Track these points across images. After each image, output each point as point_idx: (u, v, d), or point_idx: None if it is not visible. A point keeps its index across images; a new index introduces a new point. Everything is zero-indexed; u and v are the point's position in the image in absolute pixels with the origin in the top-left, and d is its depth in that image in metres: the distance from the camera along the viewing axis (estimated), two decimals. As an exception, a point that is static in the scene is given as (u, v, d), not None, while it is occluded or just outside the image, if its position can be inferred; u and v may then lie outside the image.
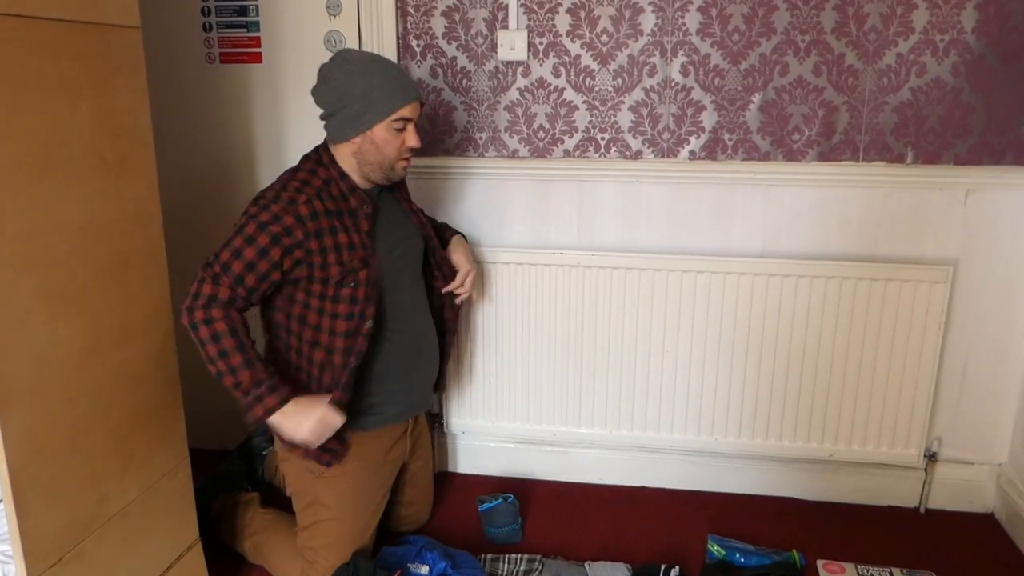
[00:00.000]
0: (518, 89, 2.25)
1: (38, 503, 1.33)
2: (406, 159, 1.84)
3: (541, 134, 2.28)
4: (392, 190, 1.96)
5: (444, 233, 2.13)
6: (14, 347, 1.26)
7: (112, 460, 1.51)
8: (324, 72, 1.79)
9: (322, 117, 1.82)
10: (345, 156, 1.82)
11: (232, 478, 2.31)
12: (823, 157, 2.18)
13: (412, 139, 1.81)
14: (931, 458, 2.31)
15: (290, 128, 2.43)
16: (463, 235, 2.16)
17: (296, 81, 2.38)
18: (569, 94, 2.23)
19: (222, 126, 2.45)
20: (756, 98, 2.16)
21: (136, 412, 1.58)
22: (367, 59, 1.76)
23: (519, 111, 2.27)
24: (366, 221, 1.81)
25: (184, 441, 1.75)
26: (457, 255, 2.07)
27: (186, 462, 1.76)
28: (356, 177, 1.84)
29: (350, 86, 1.74)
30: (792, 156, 2.19)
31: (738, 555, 2.10)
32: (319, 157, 1.85)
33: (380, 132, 1.77)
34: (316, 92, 1.81)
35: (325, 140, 1.88)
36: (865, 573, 2.05)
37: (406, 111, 1.77)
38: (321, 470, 1.88)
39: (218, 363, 1.65)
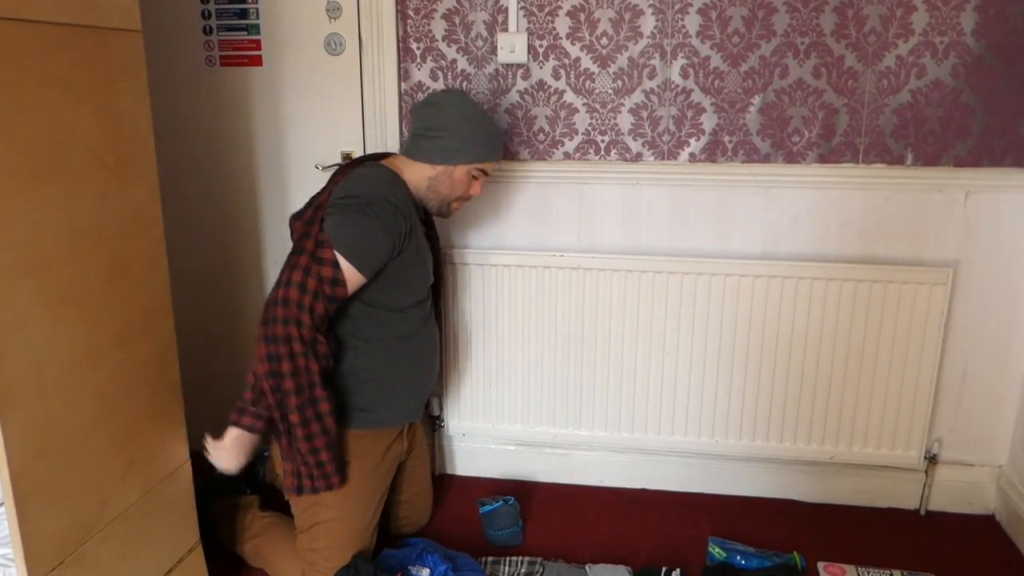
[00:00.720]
0: (518, 92, 2.25)
1: (39, 506, 1.33)
2: (461, 202, 2.00)
3: (541, 136, 2.28)
4: None
5: None
6: (16, 350, 1.27)
7: (113, 463, 1.51)
8: (439, 99, 1.93)
9: (414, 133, 1.93)
10: (419, 176, 1.94)
11: (230, 481, 2.31)
12: (823, 159, 2.18)
13: (478, 189, 1.99)
14: (931, 460, 2.31)
15: (290, 131, 2.43)
16: None
17: (296, 84, 2.39)
18: (569, 96, 2.23)
19: (222, 129, 2.46)
20: (756, 100, 2.16)
21: (137, 415, 1.58)
22: (480, 110, 1.94)
23: (519, 113, 2.27)
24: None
25: (185, 444, 1.75)
26: None
27: (187, 465, 1.76)
28: (414, 195, 1.95)
29: (460, 123, 1.89)
30: (792, 158, 2.19)
31: (739, 557, 2.10)
32: (397, 167, 1.94)
33: (461, 171, 1.92)
34: (421, 111, 1.93)
35: (400, 153, 1.99)
36: (866, 575, 2.05)
37: (490, 166, 1.96)
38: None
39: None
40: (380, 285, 1.86)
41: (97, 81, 1.42)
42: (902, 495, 2.37)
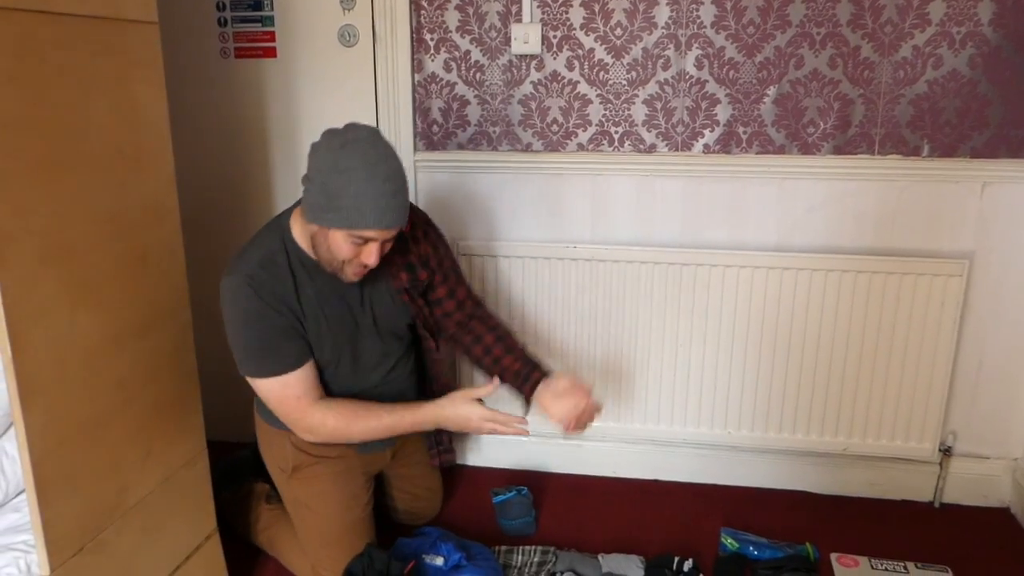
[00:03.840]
0: (532, 83, 2.25)
1: (60, 493, 1.34)
2: (358, 270, 1.66)
3: (555, 128, 2.28)
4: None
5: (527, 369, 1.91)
6: (37, 339, 1.28)
7: (132, 451, 1.53)
8: (320, 141, 1.59)
9: (301, 180, 1.64)
10: (304, 231, 1.69)
11: (240, 470, 2.33)
12: (838, 150, 2.17)
13: (369, 258, 1.61)
14: (946, 452, 2.31)
15: (304, 122, 2.44)
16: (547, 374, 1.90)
17: (310, 75, 2.39)
18: (583, 87, 2.23)
19: (237, 120, 2.47)
20: (771, 91, 2.16)
21: (155, 403, 1.59)
22: (361, 157, 1.52)
23: (533, 105, 2.27)
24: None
25: (202, 432, 1.77)
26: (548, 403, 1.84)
27: (204, 453, 1.78)
28: (311, 252, 1.71)
29: (327, 176, 1.53)
30: (807, 149, 2.18)
31: (751, 548, 2.10)
32: (291, 222, 1.74)
33: (337, 237, 1.58)
34: (309, 153, 1.61)
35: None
36: (879, 566, 2.05)
37: (371, 233, 1.57)
38: (290, 469, 1.90)
39: None
40: None
41: (115, 72, 1.43)
42: (916, 487, 2.36)
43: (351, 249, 1.59)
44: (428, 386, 2.06)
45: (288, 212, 1.77)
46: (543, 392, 1.83)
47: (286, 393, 1.73)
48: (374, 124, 2.37)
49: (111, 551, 1.47)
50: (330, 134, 1.57)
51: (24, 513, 1.43)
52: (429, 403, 1.81)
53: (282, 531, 2.08)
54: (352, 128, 1.58)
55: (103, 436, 1.44)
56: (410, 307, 1.88)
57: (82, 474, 1.40)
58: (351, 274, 1.67)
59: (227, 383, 2.60)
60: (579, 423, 1.80)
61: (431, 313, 1.94)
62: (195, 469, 1.74)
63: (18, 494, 1.53)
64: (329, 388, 1.84)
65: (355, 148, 1.52)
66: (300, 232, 1.71)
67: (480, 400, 1.78)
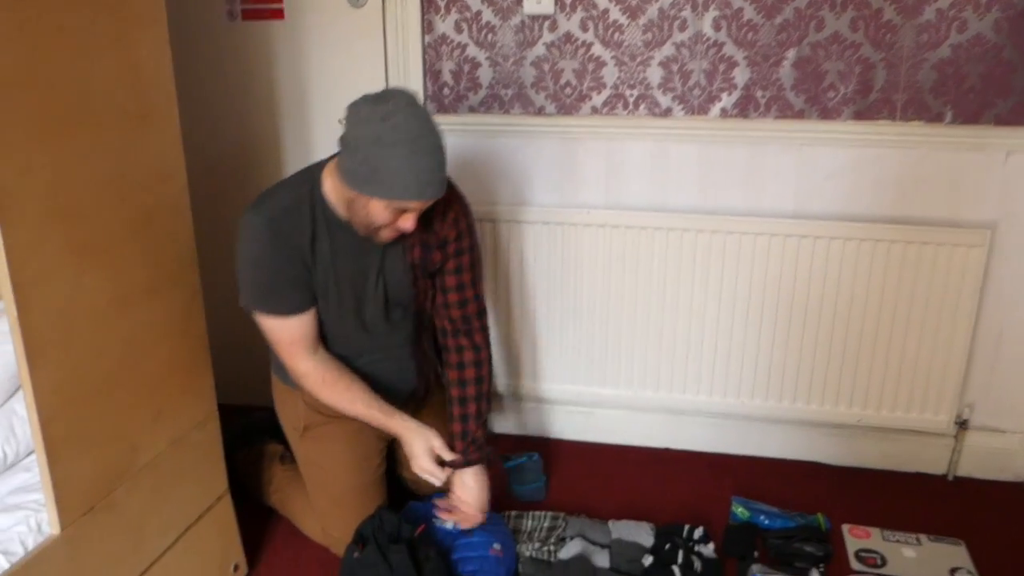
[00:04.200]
0: (544, 44, 2.21)
1: (69, 453, 1.35)
2: (394, 234, 1.68)
3: (568, 91, 2.24)
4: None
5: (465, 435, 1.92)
6: (42, 299, 1.27)
7: (142, 412, 1.53)
8: (360, 108, 1.57)
9: (339, 141, 1.63)
10: (339, 193, 1.68)
11: (255, 431, 2.34)
12: (859, 115, 2.12)
13: (407, 225, 1.63)
14: (962, 425, 2.27)
15: (312, 84, 2.41)
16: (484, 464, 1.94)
17: (318, 37, 2.36)
18: (597, 49, 2.18)
19: (244, 83, 2.44)
20: (791, 54, 2.10)
21: (165, 365, 1.59)
22: (404, 131, 1.52)
23: (545, 67, 2.23)
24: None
25: (212, 394, 1.77)
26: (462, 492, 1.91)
27: (215, 415, 1.78)
28: (342, 211, 1.71)
29: (370, 148, 1.53)
30: (827, 114, 2.13)
31: (762, 517, 2.09)
32: (324, 175, 1.73)
33: (377, 205, 1.59)
34: (348, 112, 1.59)
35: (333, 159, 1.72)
36: (891, 538, 2.04)
37: (412, 204, 1.60)
38: (302, 427, 1.92)
39: None
40: None
41: (117, 31, 1.41)
42: (930, 460, 2.33)
43: (390, 216, 1.62)
44: (428, 375, 2.05)
45: (321, 164, 1.76)
46: (457, 479, 1.91)
47: (280, 335, 1.76)
48: (383, 86, 2.34)
49: (121, 511, 1.48)
50: (372, 102, 1.56)
51: (34, 473, 1.44)
52: (401, 416, 1.84)
53: (294, 492, 2.09)
54: (393, 97, 1.56)
55: (112, 397, 1.45)
56: (417, 283, 1.86)
57: (91, 434, 1.40)
58: (385, 238, 1.71)
59: (240, 346, 2.62)
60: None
61: (434, 298, 1.92)
62: (206, 431, 1.75)
63: (28, 454, 1.54)
64: (330, 347, 1.84)
65: (399, 121, 1.52)
66: (331, 188, 1.70)
67: (435, 456, 1.84)
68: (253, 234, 1.68)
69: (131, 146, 1.46)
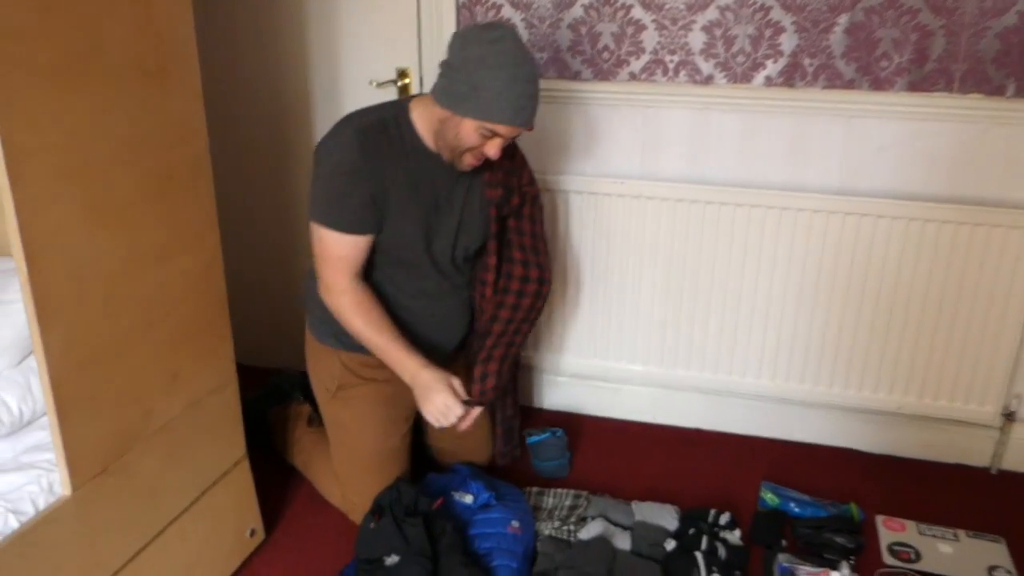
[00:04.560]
0: (582, 6, 2.11)
1: (80, 415, 1.33)
2: (477, 159, 1.71)
3: (605, 55, 2.15)
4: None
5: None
6: (53, 259, 1.25)
7: (156, 375, 1.51)
8: (468, 32, 1.63)
9: (440, 63, 1.68)
10: (432, 116, 1.71)
11: (285, 388, 2.34)
12: (913, 87, 2.00)
13: (492, 150, 1.67)
14: (1008, 417, 2.17)
15: (343, 43, 2.34)
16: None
17: (353, -5, 2.29)
18: (637, 12, 2.09)
19: (275, 42, 2.38)
20: (842, 19, 1.98)
21: (181, 328, 1.57)
22: (509, 56, 1.58)
23: (583, 30, 2.14)
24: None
25: (231, 358, 1.75)
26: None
27: (233, 379, 1.76)
28: (428, 139, 1.75)
29: (475, 67, 1.58)
30: (879, 85, 2.01)
31: (792, 504, 2.02)
32: (414, 105, 1.76)
33: (468, 126, 1.63)
34: (451, 40, 1.65)
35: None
36: (927, 532, 1.96)
37: (501, 129, 1.63)
38: (335, 387, 1.89)
39: None
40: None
41: (136, -17, 1.36)
42: (973, 451, 2.23)
43: (478, 140, 1.65)
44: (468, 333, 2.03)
45: (407, 98, 1.81)
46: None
47: (334, 250, 1.73)
48: (416, 48, 2.27)
49: (134, 473, 1.47)
50: (481, 28, 1.63)
51: (47, 432, 1.43)
52: (420, 357, 1.77)
53: (318, 455, 2.08)
54: (499, 27, 1.65)
55: (126, 359, 1.43)
56: (491, 223, 1.88)
57: (104, 396, 1.38)
58: (467, 164, 1.72)
59: (260, 307, 2.61)
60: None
61: (505, 243, 1.94)
62: (223, 395, 1.73)
63: (45, 413, 1.53)
64: (388, 283, 1.84)
65: (505, 46, 1.59)
66: (419, 116, 1.74)
67: (456, 394, 1.77)
68: (342, 143, 1.69)
69: (149, 104, 1.42)
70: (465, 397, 1.78)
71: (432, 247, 1.83)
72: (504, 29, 1.62)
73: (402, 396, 1.90)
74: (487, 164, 1.76)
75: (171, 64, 1.47)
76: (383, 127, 1.71)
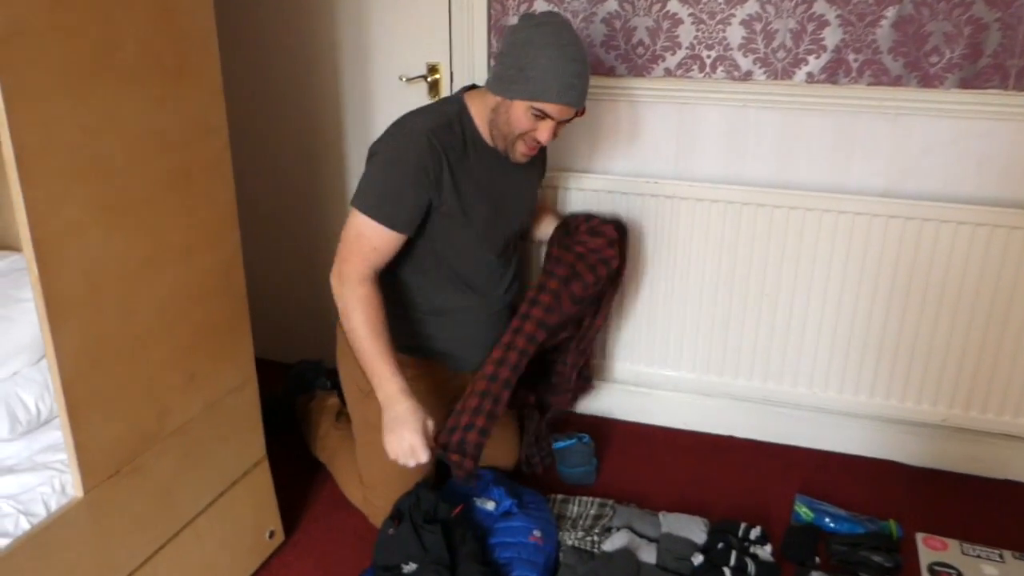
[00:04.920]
0: (618, -1, 2.05)
1: (94, 416, 1.31)
2: (530, 147, 1.72)
3: (640, 50, 2.08)
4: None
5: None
6: (66, 258, 1.23)
7: (173, 375, 1.49)
8: (520, 21, 1.67)
9: (493, 56, 1.75)
10: (485, 108, 1.73)
11: (309, 376, 2.34)
12: (965, 84, 1.89)
13: (543, 134, 1.68)
14: (1062, 431, 2.06)
15: (374, 42, 2.30)
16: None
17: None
18: (673, 5, 2.01)
19: (305, 40, 2.36)
20: (890, 13, 1.89)
21: (199, 328, 1.55)
22: (555, 36, 1.61)
23: (617, 24, 2.07)
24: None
25: (251, 357, 1.72)
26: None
27: (253, 379, 1.74)
28: (485, 132, 1.76)
29: (521, 49, 1.62)
30: (928, 81, 1.92)
31: (827, 519, 1.94)
32: (470, 100, 1.78)
33: (519, 108, 1.65)
34: (505, 30, 1.74)
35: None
36: (971, 552, 1.86)
37: (551, 108, 1.63)
38: (370, 389, 1.84)
39: None
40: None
41: (155, -24, 1.34)
42: (1021, 467, 2.12)
43: (529, 123, 1.66)
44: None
45: (464, 90, 1.83)
46: None
47: (370, 240, 1.70)
48: (447, 42, 2.22)
49: (149, 475, 1.45)
50: (527, 16, 1.67)
51: (60, 432, 1.42)
52: (402, 382, 1.70)
53: (343, 453, 2.06)
54: (548, 13, 1.68)
55: (141, 360, 1.41)
56: (533, 203, 1.98)
57: (118, 397, 1.37)
58: (521, 153, 1.73)
59: (283, 302, 2.59)
60: None
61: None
62: (243, 395, 1.70)
63: (63, 411, 1.53)
64: (439, 291, 1.84)
65: (550, 28, 1.61)
66: (477, 110, 1.76)
67: (427, 437, 1.70)
68: (410, 139, 1.68)
69: (167, 99, 1.40)
70: (432, 443, 1.70)
71: (492, 241, 1.84)
72: (553, 15, 1.66)
73: (436, 399, 1.88)
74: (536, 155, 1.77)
75: (191, 60, 1.44)
76: (449, 127, 1.71)
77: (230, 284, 1.62)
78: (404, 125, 1.73)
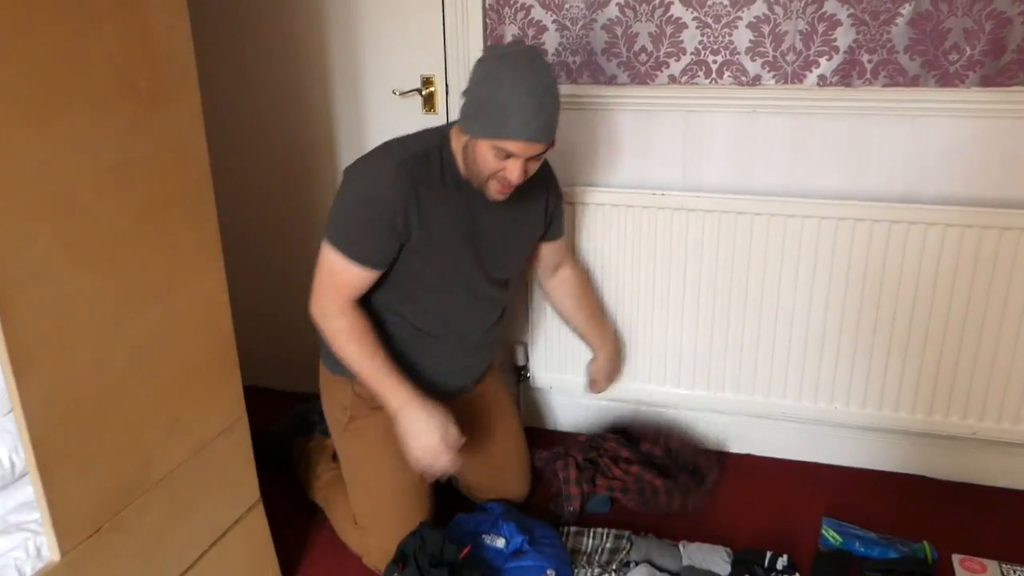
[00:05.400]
0: (617, 5, 1.95)
1: (68, 473, 1.21)
2: (503, 186, 1.60)
3: (643, 57, 1.98)
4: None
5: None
6: (31, 302, 1.13)
7: (155, 422, 1.39)
8: (482, 55, 1.59)
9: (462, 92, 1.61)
10: (458, 143, 1.64)
11: (312, 419, 2.23)
12: (987, 82, 1.80)
13: (512, 174, 1.55)
14: (1100, 442, 1.96)
15: (365, 52, 2.21)
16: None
17: (371, 1, 2.16)
18: (676, 9, 1.92)
19: (292, 53, 2.26)
20: (906, 10, 1.79)
21: (183, 369, 1.44)
22: (515, 69, 1.49)
23: (618, 30, 1.97)
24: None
25: (240, 397, 1.62)
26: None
27: (243, 419, 1.63)
28: (463, 167, 1.66)
29: (481, 84, 1.52)
30: (947, 81, 1.82)
31: (857, 544, 1.84)
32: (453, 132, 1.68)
33: (483, 147, 1.54)
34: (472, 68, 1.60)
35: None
36: (1011, 574, 1.76)
37: (512, 146, 1.51)
38: (347, 419, 1.80)
39: None
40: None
41: (123, -5, 1.24)
42: (1060, 480, 2.03)
43: (495, 162, 1.55)
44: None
45: (451, 124, 1.71)
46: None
47: (341, 276, 1.63)
48: (441, 54, 2.13)
49: (133, 531, 1.35)
50: (492, 47, 1.61)
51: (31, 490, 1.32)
52: (409, 387, 1.65)
53: (337, 494, 1.96)
54: (514, 44, 1.64)
55: (119, 408, 1.30)
56: (529, 253, 1.91)
57: (94, 450, 1.26)
58: (495, 192, 1.62)
59: (276, 329, 2.49)
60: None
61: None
62: (233, 437, 1.60)
63: (40, 464, 1.42)
64: (413, 316, 1.75)
65: (511, 60, 1.51)
66: (456, 145, 1.66)
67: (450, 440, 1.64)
68: (382, 174, 1.60)
69: (140, 126, 1.30)
70: (458, 448, 1.65)
71: (471, 279, 1.75)
72: (518, 46, 1.57)
73: None
74: (522, 190, 1.63)
75: (167, 84, 1.34)
76: (425, 159, 1.63)
77: (214, 320, 1.52)
78: (379, 155, 1.65)
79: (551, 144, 1.56)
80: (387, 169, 1.59)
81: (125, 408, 1.32)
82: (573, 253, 2.10)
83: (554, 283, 2.03)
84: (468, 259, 1.72)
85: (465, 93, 1.57)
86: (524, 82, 1.48)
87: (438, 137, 1.67)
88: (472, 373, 1.91)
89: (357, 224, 1.61)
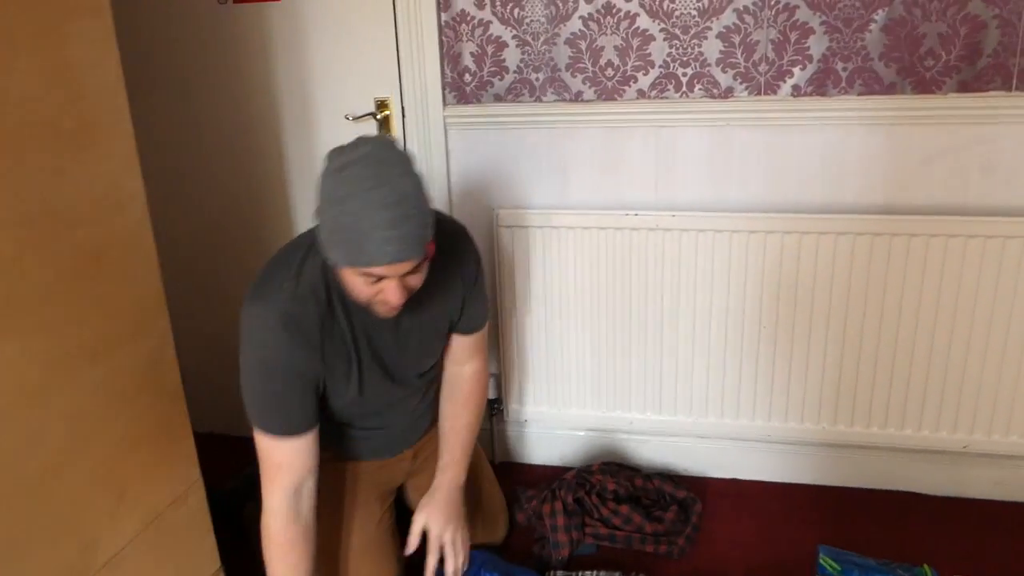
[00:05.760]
0: (581, 18, 1.86)
1: (-4, 567, 1.07)
2: (386, 307, 1.39)
3: (610, 72, 1.90)
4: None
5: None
6: (-57, 380, 0.99)
7: (98, 498, 1.25)
8: (325, 162, 1.33)
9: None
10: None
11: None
12: (964, 87, 1.75)
13: (391, 295, 1.33)
14: (1092, 451, 1.91)
15: (315, 75, 2.09)
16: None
17: (320, 20, 2.04)
18: (643, 21, 1.83)
19: (237, 75, 2.13)
20: (879, 16, 1.73)
21: (127, 436, 1.31)
22: (358, 182, 1.25)
23: (582, 45, 1.88)
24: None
25: (193, 459, 1.49)
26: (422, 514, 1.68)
27: (198, 483, 1.50)
28: None
29: (327, 206, 1.29)
30: (924, 87, 1.76)
31: (856, 572, 1.76)
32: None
33: (348, 275, 1.34)
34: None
35: None
36: (1015, 595, 1.70)
37: (377, 270, 1.30)
38: None
39: None
40: None
41: (38, 25, 1.11)
42: (1053, 491, 1.98)
43: (368, 288, 1.34)
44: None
45: (298, 250, 1.50)
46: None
47: (271, 461, 1.45)
48: (395, 75, 2.02)
49: (77, 623, 1.21)
50: (334, 154, 1.32)
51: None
52: None
53: None
54: (356, 145, 1.31)
55: (55, 487, 1.16)
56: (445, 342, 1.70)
57: (27, 539, 1.12)
58: (383, 312, 1.41)
59: (231, 368, 2.33)
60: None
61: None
62: (187, 505, 1.46)
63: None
64: (349, 408, 1.58)
65: (352, 172, 1.26)
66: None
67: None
68: (263, 336, 1.39)
69: (64, 170, 1.17)
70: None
71: (396, 379, 1.60)
72: (357, 149, 1.30)
73: (370, 473, 1.69)
74: (422, 290, 1.43)
75: (95, 121, 1.22)
76: (312, 294, 1.41)
77: (160, 379, 1.39)
78: (258, 309, 1.40)
79: (425, 256, 1.35)
80: (277, 333, 1.38)
81: (63, 487, 1.18)
82: (485, 354, 1.79)
83: (448, 375, 1.78)
84: (375, 376, 1.55)
85: (316, 214, 1.34)
86: (372, 195, 1.25)
87: (319, 257, 1.43)
88: (419, 430, 1.80)
89: (263, 393, 1.43)
